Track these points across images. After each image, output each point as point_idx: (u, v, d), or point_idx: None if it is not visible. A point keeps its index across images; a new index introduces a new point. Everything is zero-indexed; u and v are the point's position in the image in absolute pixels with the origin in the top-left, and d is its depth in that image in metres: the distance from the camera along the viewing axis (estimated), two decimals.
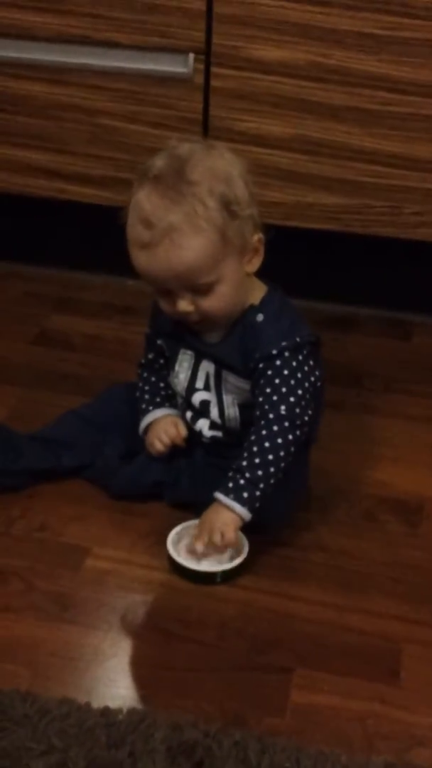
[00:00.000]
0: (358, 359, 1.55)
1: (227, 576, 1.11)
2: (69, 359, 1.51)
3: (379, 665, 1.03)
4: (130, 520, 1.20)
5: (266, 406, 1.10)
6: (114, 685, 1.00)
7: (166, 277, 1.07)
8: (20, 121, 1.56)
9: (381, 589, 1.12)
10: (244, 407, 1.16)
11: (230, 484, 1.10)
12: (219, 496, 1.10)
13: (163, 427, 1.20)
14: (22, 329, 1.57)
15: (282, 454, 1.09)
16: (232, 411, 1.17)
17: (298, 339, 1.12)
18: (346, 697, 0.99)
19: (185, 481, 1.21)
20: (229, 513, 1.09)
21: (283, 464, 1.10)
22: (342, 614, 1.08)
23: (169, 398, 1.24)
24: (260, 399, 1.11)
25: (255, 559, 1.14)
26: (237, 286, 1.10)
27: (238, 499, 1.09)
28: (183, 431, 1.19)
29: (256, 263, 1.12)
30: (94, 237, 1.72)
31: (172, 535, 1.14)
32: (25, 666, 1.00)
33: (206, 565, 1.11)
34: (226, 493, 1.10)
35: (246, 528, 1.12)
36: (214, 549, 1.11)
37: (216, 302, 1.09)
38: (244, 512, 1.09)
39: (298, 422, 1.10)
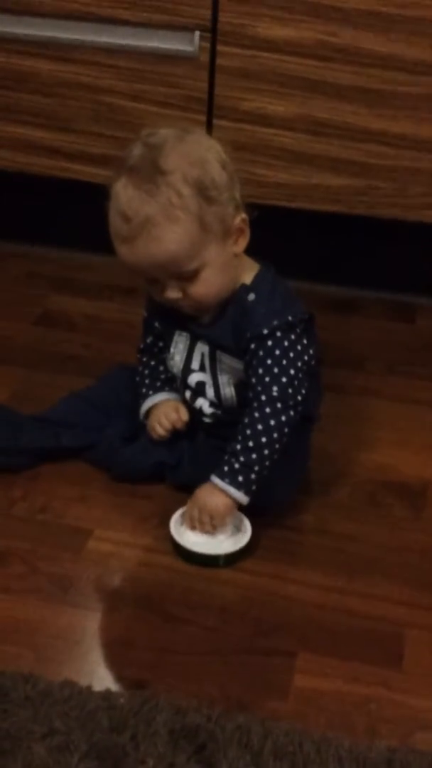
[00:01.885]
0: (361, 342, 1.54)
1: (230, 559, 1.11)
2: (71, 340, 1.50)
3: (383, 650, 1.02)
4: (132, 502, 1.19)
5: (258, 388, 1.10)
6: (116, 668, 0.99)
7: (150, 268, 1.07)
8: (23, 98, 1.55)
9: (384, 573, 1.11)
10: (240, 386, 1.15)
11: (225, 468, 1.09)
12: (214, 479, 1.10)
13: (163, 411, 1.20)
14: (24, 310, 1.56)
15: (276, 435, 1.09)
16: (228, 391, 1.17)
17: (290, 317, 1.11)
18: (349, 682, 0.99)
19: (187, 463, 1.20)
20: (223, 496, 1.10)
21: (277, 446, 1.10)
22: (345, 598, 1.08)
23: (169, 382, 1.23)
24: (253, 380, 1.11)
25: (257, 543, 1.14)
26: (223, 269, 1.09)
27: (234, 483, 1.09)
28: (184, 415, 1.19)
29: (242, 244, 1.11)
30: (95, 216, 1.70)
31: (175, 517, 1.14)
32: (28, 648, 1.00)
33: (209, 548, 1.11)
34: (222, 476, 1.09)
35: (248, 510, 1.12)
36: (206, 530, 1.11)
37: (203, 287, 1.09)
38: (240, 495, 1.09)
39: (290, 402, 1.10)
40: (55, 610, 1.05)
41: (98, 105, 1.53)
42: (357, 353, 1.50)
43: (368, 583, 1.10)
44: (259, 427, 1.09)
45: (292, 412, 1.10)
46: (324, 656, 1.01)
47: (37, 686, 0.94)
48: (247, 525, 1.13)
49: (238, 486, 1.09)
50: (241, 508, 1.12)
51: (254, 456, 1.09)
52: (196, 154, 1.06)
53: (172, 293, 1.09)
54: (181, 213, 1.04)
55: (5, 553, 1.11)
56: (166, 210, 1.03)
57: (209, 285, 1.09)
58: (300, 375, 1.11)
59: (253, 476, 1.09)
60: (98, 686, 0.95)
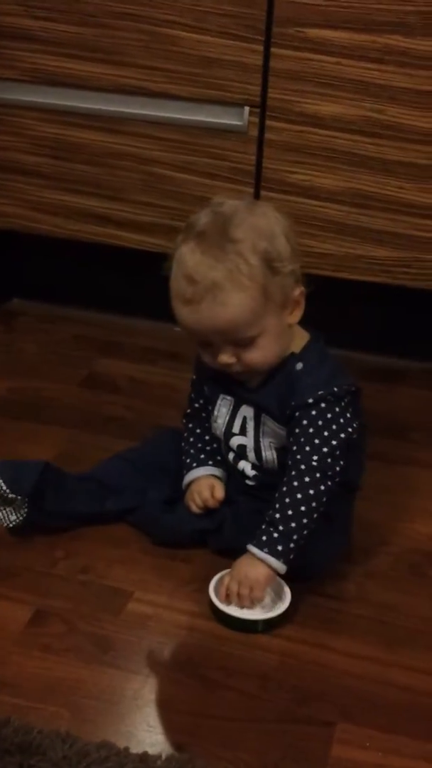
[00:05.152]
0: (406, 411, 1.54)
1: (269, 625, 1.10)
2: (115, 402, 1.52)
3: (423, 723, 1.00)
4: (172, 565, 1.19)
5: (298, 456, 1.10)
6: (153, 730, 0.99)
7: (208, 332, 1.09)
8: (76, 168, 1.59)
9: (426, 645, 1.10)
10: (282, 451, 1.16)
11: (264, 537, 1.09)
12: (253, 549, 1.10)
13: (198, 489, 1.21)
14: (71, 372, 1.59)
15: (314, 505, 1.09)
16: (269, 454, 1.17)
17: (335, 389, 1.12)
18: (388, 754, 0.97)
19: (229, 528, 1.20)
20: (263, 566, 1.09)
21: (315, 515, 1.10)
22: (386, 669, 1.07)
23: (214, 453, 1.24)
24: (294, 447, 1.11)
25: (298, 610, 1.13)
26: (278, 338, 1.11)
27: (273, 553, 1.09)
28: (218, 493, 1.20)
29: (297, 315, 1.13)
30: (141, 283, 1.74)
31: (214, 581, 1.13)
32: (66, 707, 0.99)
33: (248, 613, 1.10)
34: (260, 546, 1.09)
35: (288, 576, 1.12)
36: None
37: (258, 354, 1.10)
38: (279, 565, 1.09)
39: (329, 473, 1.10)
40: (94, 671, 1.04)
41: (147, 175, 1.57)
42: (401, 422, 1.51)
43: (410, 655, 1.08)
44: (298, 495, 1.09)
45: (330, 482, 1.10)
46: (363, 727, 1.00)
47: (74, 746, 0.93)
48: (287, 591, 1.13)
49: (277, 555, 1.09)
50: (279, 575, 1.12)
51: (293, 524, 1.09)
52: (264, 226, 1.09)
53: (226, 359, 1.10)
54: (248, 281, 1.06)
55: (46, 612, 1.11)
56: (233, 276, 1.05)
57: (264, 352, 1.10)
58: (341, 446, 1.11)
59: (291, 545, 1.09)
60: (135, 748, 0.95)
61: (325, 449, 1.10)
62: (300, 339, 1.16)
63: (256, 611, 1.11)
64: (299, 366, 1.14)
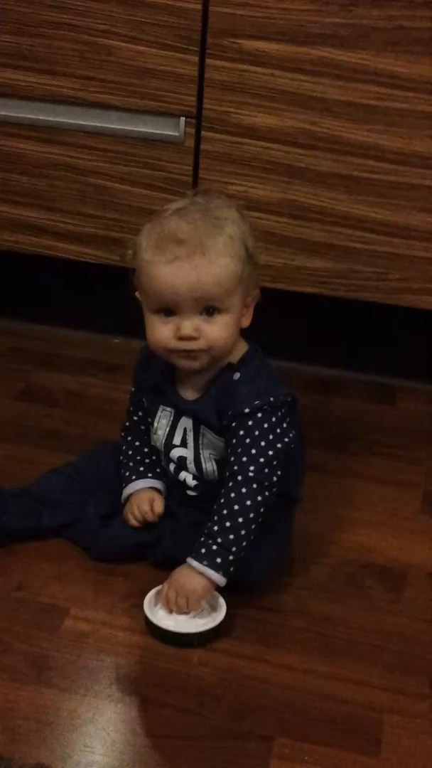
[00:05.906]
0: (342, 423, 1.55)
1: (204, 638, 1.10)
2: (53, 415, 1.50)
3: (361, 735, 1.01)
4: (110, 581, 1.18)
5: (235, 467, 1.10)
6: (90, 751, 0.97)
7: (187, 291, 1.08)
8: (12, 179, 1.57)
9: (364, 657, 1.10)
10: (222, 462, 1.16)
11: (203, 550, 1.09)
12: (192, 562, 1.09)
13: (137, 502, 1.20)
14: (7, 384, 1.57)
15: (252, 515, 1.09)
16: (209, 465, 1.17)
17: (271, 398, 1.12)
18: None
19: (168, 541, 1.19)
20: (201, 579, 1.09)
21: (253, 526, 1.09)
22: (324, 682, 1.07)
23: (153, 465, 1.24)
24: (231, 458, 1.11)
25: (236, 624, 1.12)
26: (234, 327, 1.12)
27: (212, 566, 1.08)
28: (158, 508, 1.19)
29: (247, 319, 1.14)
30: (80, 294, 1.73)
31: (149, 596, 1.12)
32: None
33: (183, 627, 1.10)
34: (199, 559, 1.09)
35: (226, 589, 1.11)
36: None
37: (218, 331, 1.10)
38: (219, 578, 1.09)
39: (266, 483, 1.10)
40: (29, 691, 1.03)
41: (85, 186, 1.56)
42: (338, 434, 1.51)
43: (348, 667, 1.09)
44: (236, 507, 1.09)
45: (267, 493, 1.10)
46: (302, 741, 0.99)
47: None
48: (222, 603, 1.12)
49: (216, 568, 1.08)
50: (218, 587, 1.12)
51: (231, 536, 1.09)
52: (239, 219, 1.12)
53: (190, 329, 1.09)
54: (233, 251, 1.09)
55: None
56: (222, 240, 1.08)
57: (224, 333, 1.11)
58: (278, 456, 1.11)
59: (231, 557, 1.09)
60: None
61: (261, 459, 1.10)
62: (239, 350, 1.16)
63: (191, 625, 1.10)
64: (236, 376, 1.14)
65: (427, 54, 1.39)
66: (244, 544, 1.09)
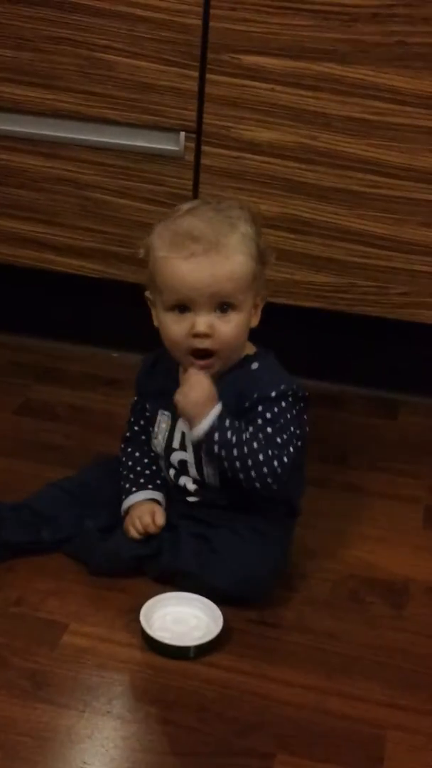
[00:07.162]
0: (344, 437, 1.54)
1: (201, 650, 1.09)
2: (52, 430, 1.49)
3: (363, 752, 0.99)
4: (109, 596, 1.17)
5: (260, 435, 1.11)
6: (88, 767, 0.96)
7: (203, 287, 1.09)
8: (12, 193, 1.58)
9: (365, 673, 1.09)
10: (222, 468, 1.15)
11: (227, 419, 1.11)
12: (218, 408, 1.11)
13: (138, 514, 1.19)
14: (7, 399, 1.56)
15: (260, 458, 1.10)
16: (210, 468, 1.17)
17: (294, 386, 1.14)
18: None
19: (166, 554, 1.18)
20: (207, 406, 1.10)
21: (253, 473, 1.10)
22: (325, 698, 1.05)
23: (153, 477, 1.23)
24: (257, 433, 1.11)
25: (237, 639, 1.11)
26: (245, 326, 1.14)
27: (221, 420, 1.10)
28: (160, 520, 1.19)
29: (256, 320, 1.16)
30: (79, 308, 1.73)
31: (145, 608, 1.11)
32: None
33: (180, 640, 1.09)
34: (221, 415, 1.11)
35: (227, 603, 1.11)
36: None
37: (230, 330, 1.12)
38: (210, 422, 1.10)
39: (278, 453, 1.10)
40: (27, 707, 1.01)
41: (85, 200, 1.56)
42: (340, 448, 1.51)
43: (348, 683, 1.07)
44: (256, 457, 1.10)
45: (276, 462, 1.10)
46: (302, 758, 0.98)
47: None
48: (219, 616, 1.11)
49: (221, 425, 1.10)
50: (216, 600, 1.11)
51: (244, 449, 1.10)
52: (250, 219, 1.14)
53: (203, 326, 1.10)
54: (248, 249, 1.11)
55: None
56: (237, 238, 1.10)
57: (235, 331, 1.12)
58: (296, 442, 1.12)
59: (231, 437, 1.10)
60: None
61: (278, 440, 1.11)
62: (249, 350, 1.19)
63: (187, 638, 1.09)
64: (255, 365, 1.16)
65: (427, 69, 1.39)
66: (238, 465, 1.10)
